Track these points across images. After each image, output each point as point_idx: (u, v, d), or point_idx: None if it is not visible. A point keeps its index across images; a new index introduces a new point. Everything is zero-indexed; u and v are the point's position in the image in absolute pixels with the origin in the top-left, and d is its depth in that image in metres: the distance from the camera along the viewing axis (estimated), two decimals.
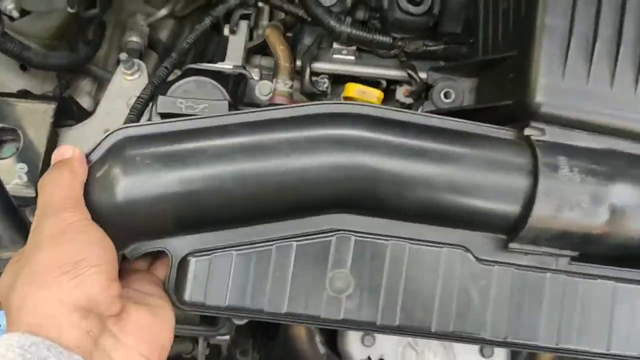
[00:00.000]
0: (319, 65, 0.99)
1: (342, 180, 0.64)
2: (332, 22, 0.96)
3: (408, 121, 0.68)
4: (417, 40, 0.97)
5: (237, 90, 0.93)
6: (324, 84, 0.99)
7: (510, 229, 0.68)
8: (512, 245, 0.69)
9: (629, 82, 0.70)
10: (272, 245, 0.65)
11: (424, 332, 0.65)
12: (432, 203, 0.66)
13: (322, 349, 1.04)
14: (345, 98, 0.92)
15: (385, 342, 0.95)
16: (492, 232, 0.69)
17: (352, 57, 1.00)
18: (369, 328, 0.65)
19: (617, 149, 0.71)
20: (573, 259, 0.72)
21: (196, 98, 0.82)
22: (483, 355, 0.96)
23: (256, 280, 0.65)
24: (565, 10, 0.70)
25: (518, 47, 0.74)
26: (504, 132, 0.71)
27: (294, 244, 0.64)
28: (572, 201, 0.66)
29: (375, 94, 0.88)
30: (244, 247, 0.65)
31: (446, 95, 0.89)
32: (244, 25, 1.04)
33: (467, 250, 0.68)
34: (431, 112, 0.86)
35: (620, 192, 0.67)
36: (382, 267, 0.65)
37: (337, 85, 1.01)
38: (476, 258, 0.68)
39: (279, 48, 0.96)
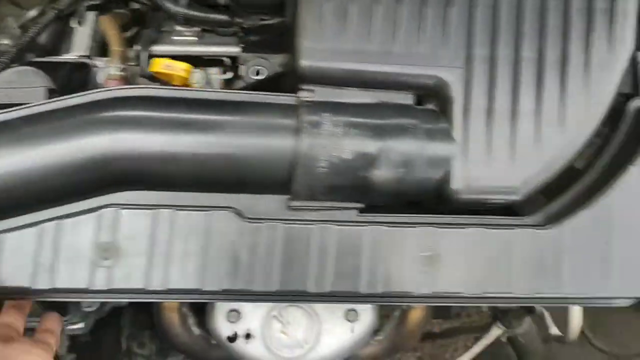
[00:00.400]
0: (157, 48, 1.03)
1: (107, 161, 0.69)
2: (167, 4, 1.00)
3: (177, 97, 0.72)
4: (252, 16, 1.00)
5: (76, 78, 0.98)
6: None
7: (287, 188, 0.73)
8: (293, 203, 0.74)
9: (386, 36, 0.74)
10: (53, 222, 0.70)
11: (199, 293, 0.70)
12: (201, 172, 0.71)
13: (196, 331, 1.09)
14: (155, 73, 0.95)
15: (251, 317, 0.98)
16: (273, 193, 0.74)
17: (194, 38, 1.04)
18: (139, 294, 0.70)
19: (385, 101, 0.75)
20: (362, 210, 0.76)
21: (15, 87, 0.87)
22: (349, 320, 1.00)
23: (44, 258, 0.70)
24: None
25: (289, 15, 0.78)
26: (283, 98, 0.75)
27: (69, 220, 0.70)
28: (335, 154, 0.71)
29: (181, 67, 0.92)
30: (32, 226, 0.71)
31: (258, 73, 0.92)
32: (90, 15, 1.09)
33: (237, 212, 0.72)
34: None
35: (384, 143, 0.72)
36: (156, 236, 0.70)
37: None
38: (247, 219, 0.72)
39: (110, 33, 1.00)
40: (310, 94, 0.75)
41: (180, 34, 1.05)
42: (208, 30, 1.04)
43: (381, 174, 0.72)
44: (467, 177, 0.73)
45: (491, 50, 0.75)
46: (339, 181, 0.72)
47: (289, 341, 1.01)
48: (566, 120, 0.74)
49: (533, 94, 0.75)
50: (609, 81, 0.76)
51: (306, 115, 0.72)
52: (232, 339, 1.01)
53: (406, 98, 0.76)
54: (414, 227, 0.72)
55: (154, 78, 1.03)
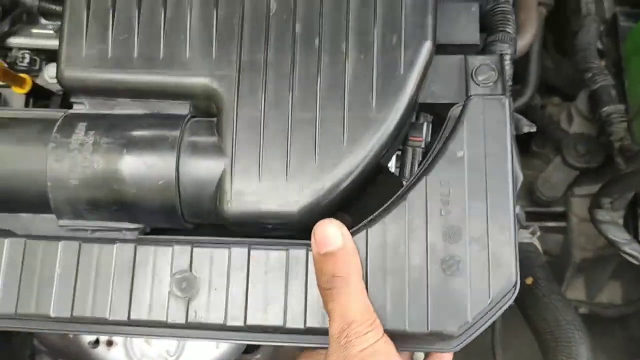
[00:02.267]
0: (14, 40, 1.03)
1: None
2: None
3: None
4: None
5: None
6: (24, 59, 1.03)
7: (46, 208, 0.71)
8: (61, 222, 0.72)
9: (147, 42, 0.70)
10: None
11: None
12: None
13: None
14: None
15: None
16: (37, 212, 0.73)
17: (51, 32, 1.03)
18: None
19: (158, 112, 0.72)
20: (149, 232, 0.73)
21: None
22: None
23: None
24: None
25: None
26: (51, 113, 0.73)
27: None
28: (86, 165, 0.68)
29: None
30: None
31: None
32: None
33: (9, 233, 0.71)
34: None
35: (137, 157, 0.68)
36: None
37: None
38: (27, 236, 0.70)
39: None
40: (81, 106, 0.72)
41: (43, 27, 1.04)
42: None
43: (136, 190, 0.68)
44: (239, 193, 0.68)
45: (263, 54, 0.68)
46: (95, 196, 0.69)
47: (151, 351, 1.01)
48: (347, 131, 0.67)
49: (310, 101, 0.68)
50: (401, 84, 0.67)
51: (59, 128, 0.70)
52: (95, 344, 1.03)
53: (182, 108, 0.72)
54: (169, 245, 0.68)
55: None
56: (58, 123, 0.70)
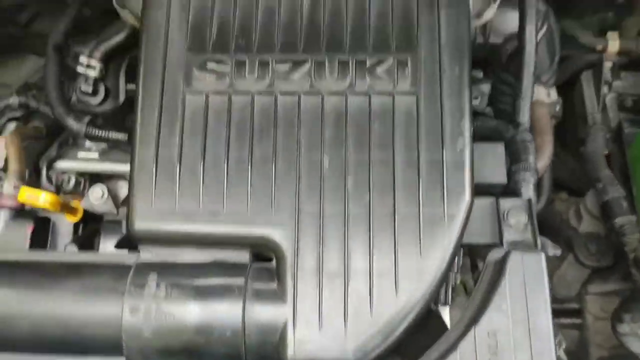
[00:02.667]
0: (61, 165, 1.09)
1: None
2: (70, 121, 1.07)
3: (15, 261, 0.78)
4: None
5: None
6: (70, 181, 1.09)
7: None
8: None
9: (213, 196, 0.76)
10: None
11: None
12: (37, 333, 0.76)
13: None
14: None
15: None
16: (107, 355, 0.78)
17: (95, 155, 1.10)
18: None
19: (220, 259, 0.78)
20: None
21: None
22: None
23: None
24: (149, 140, 0.77)
25: None
26: (120, 258, 0.79)
27: None
28: (159, 315, 0.73)
29: (43, 199, 0.96)
30: None
31: None
32: (11, 126, 1.16)
33: None
34: None
35: (206, 305, 0.74)
36: None
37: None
38: None
39: (9, 151, 1.06)
40: (147, 255, 0.78)
41: (87, 149, 1.11)
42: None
43: (205, 339, 0.74)
44: (300, 342, 0.73)
45: (318, 207, 0.75)
46: (166, 345, 0.74)
47: None
48: (400, 281, 0.74)
49: (364, 252, 0.74)
50: (445, 235, 0.74)
51: (132, 279, 0.75)
52: None
53: (242, 256, 0.78)
54: None
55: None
56: (131, 274, 0.75)
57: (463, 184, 0.76)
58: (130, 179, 0.78)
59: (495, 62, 1.12)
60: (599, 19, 1.34)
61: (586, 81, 1.29)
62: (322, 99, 0.79)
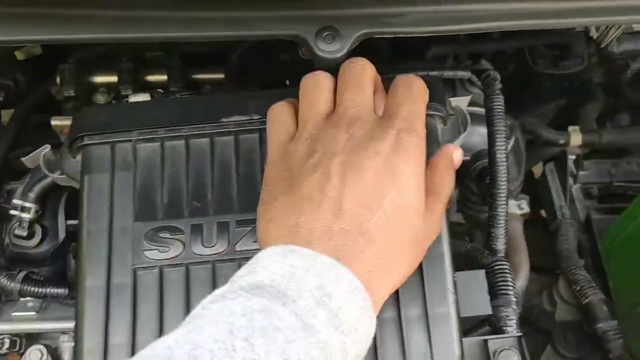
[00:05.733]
0: None
1: None
2: (2, 280, 0.98)
3: None
4: None
5: None
6: (3, 344, 1.00)
7: None
8: None
9: None
10: None
11: None
12: None
13: None
14: None
15: None
16: None
17: (33, 313, 1.01)
18: None
19: None
20: None
21: None
22: None
23: None
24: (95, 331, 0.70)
25: None
26: None
27: None
28: None
29: None
30: None
31: None
32: None
33: None
34: None
35: None
36: None
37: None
38: None
39: None
40: None
41: (21, 305, 1.03)
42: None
43: None
44: None
45: None
46: None
47: None
48: None
49: None
50: None
51: None
52: None
53: None
54: None
55: None
56: None
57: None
58: None
59: (463, 175, 1.10)
60: (557, 105, 1.36)
61: (551, 174, 1.30)
62: None
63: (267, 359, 0.47)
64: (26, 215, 1.01)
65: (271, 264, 0.56)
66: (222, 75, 1.11)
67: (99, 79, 1.12)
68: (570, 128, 1.28)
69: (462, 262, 1.17)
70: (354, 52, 0.76)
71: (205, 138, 0.79)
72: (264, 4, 0.64)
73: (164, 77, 1.11)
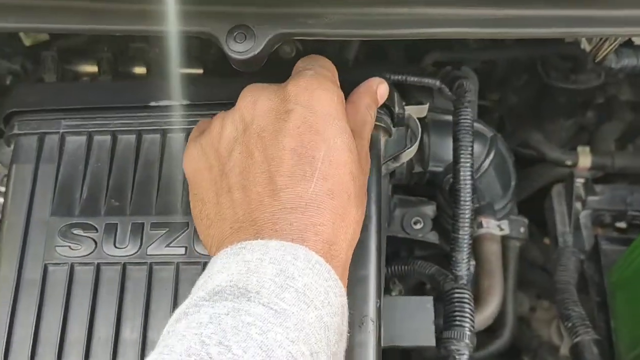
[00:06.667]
0: None
1: None
2: None
3: None
4: None
5: None
6: None
7: None
8: None
9: None
10: None
11: None
12: None
13: None
14: None
15: None
16: None
17: None
18: None
19: None
20: None
21: None
22: None
23: None
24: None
25: None
26: None
27: None
28: None
29: None
30: None
31: None
32: None
33: None
34: None
35: None
36: None
37: None
38: None
39: None
40: None
41: None
42: None
43: None
44: None
45: None
46: None
47: None
48: None
49: None
50: None
51: None
52: None
53: None
54: None
55: None
56: None
57: None
58: None
59: (437, 188, 1.04)
60: (574, 122, 1.26)
61: (557, 197, 1.20)
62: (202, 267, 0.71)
63: (247, 355, 0.45)
64: None
65: (225, 266, 0.54)
66: (201, 70, 1.09)
67: (80, 68, 1.12)
68: (580, 148, 1.18)
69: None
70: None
71: (133, 135, 0.77)
72: None
73: (143, 70, 1.10)
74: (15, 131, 0.78)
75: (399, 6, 0.64)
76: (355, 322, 0.69)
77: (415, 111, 0.79)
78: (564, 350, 1.30)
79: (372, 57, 1.19)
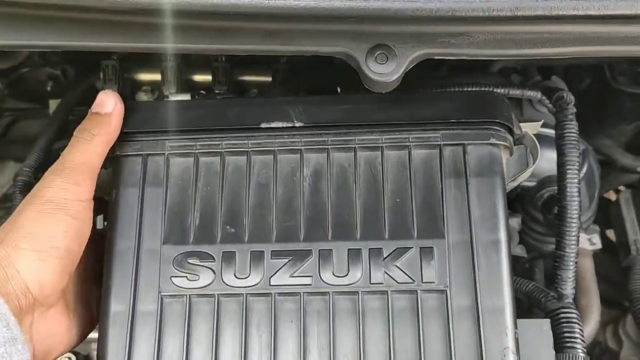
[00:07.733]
0: None
1: None
2: None
3: None
4: None
5: None
6: None
7: None
8: None
9: None
10: None
11: None
12: None
13: None
14: None
15: None
16: None
17: None
18: None
19: None
20: None
21: None
22: None
23: None
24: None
25: None
26: None
27: None
28: None
29: None
30: None
31: None
32: None
33: None
34: None
35: None
36: None
37: None
38: None
39: None
40: None
41: None
42: None
43: None
44: None
45: None
46: None
47: None
48: None
49: None
50: None
51: None
52: None
53: None
54: None
55: None
56: None
57: None
58: None
59: (526, 202, 1.02)
60: (635, 127, 1.26)
61: (625, 203, 1.19)
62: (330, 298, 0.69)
63: None
64: None
65: None
66: (269, 78, 1.06)
67: (142, 77, 1.08)
68: None
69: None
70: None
71: (243, 156, 0.74)
72: (308, 16, 0.58)
73: (209, 78, 1.06)
74: (117, 153, 0.74)
75: (548, 24, 0.61)
76: (494, 355, 0.67)
77: (531, 128, 0.77)
78: (624, 355, 1.31)
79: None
